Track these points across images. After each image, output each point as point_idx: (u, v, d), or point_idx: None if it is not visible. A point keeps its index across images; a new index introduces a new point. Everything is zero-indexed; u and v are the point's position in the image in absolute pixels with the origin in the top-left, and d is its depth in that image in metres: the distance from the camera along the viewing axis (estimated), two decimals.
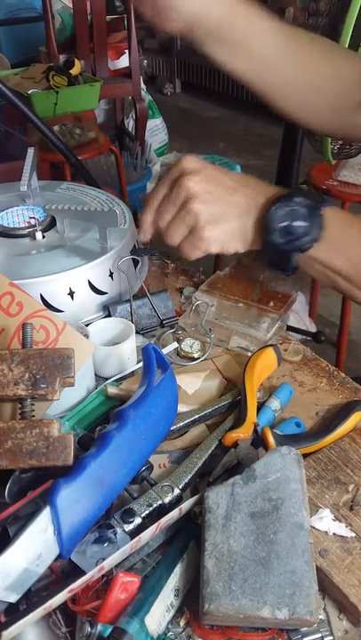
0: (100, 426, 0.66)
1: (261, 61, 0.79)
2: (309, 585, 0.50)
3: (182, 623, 0.52)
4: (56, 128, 2.06)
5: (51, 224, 0.90)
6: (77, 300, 0.81)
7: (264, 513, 0.54)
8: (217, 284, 0.90)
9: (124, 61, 2.95)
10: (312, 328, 2.10)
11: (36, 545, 0.49)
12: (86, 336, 0.71)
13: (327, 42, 0.87)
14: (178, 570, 0.54)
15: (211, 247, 0.68)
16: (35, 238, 0.87)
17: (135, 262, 0.90)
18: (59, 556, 0.51)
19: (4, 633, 0.45)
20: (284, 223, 0.64)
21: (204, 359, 0.80)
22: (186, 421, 0.69)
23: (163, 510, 0.58)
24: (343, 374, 0.80)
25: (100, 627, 0.47)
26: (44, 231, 0.88)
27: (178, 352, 0.82)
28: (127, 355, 0.77)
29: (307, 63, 0.81)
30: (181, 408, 0.70)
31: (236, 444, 0.64)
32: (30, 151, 1.00)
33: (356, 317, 2.17)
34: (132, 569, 0.55)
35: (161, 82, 5.16)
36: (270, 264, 0.69)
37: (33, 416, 0.59)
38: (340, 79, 0.82)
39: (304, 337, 1.00)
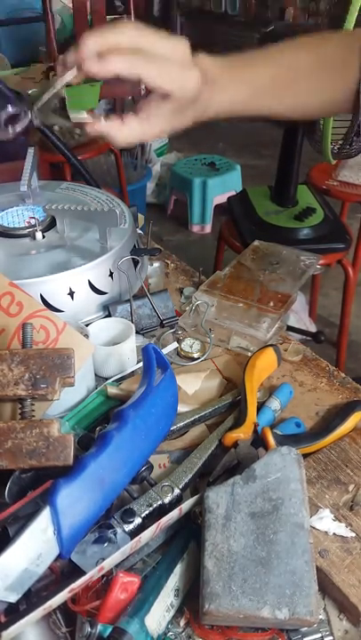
0: (100, 426, 0.66)
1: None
2: (309, 585, 0.50)
3: (182, 623, 0.52)
4: (56, 128, 2.05)
5: (51, 224, 0.90)
6: (77, 300, 0.81)
7: (264, 513, 0.54)
8: (217, 283, 0.90)
9: None
10: (312, 328, 2.10)
11: (36, 545, 0.49)
12: (86, 336, 0.71)
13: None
14: (178, 570, 0.54)
15: None
16: (35, 238, 0.87)
17: (135, 262, 0.90)
18: (59, 556, 0.51)
19: (4, 633, 0.45)
20: None
21: (204, 359, 0.80)
22: (186, 421, 0.69)
23: (163, 510, 0.58)
24: (343, 374, 0.80)
25: (100, 627, 0.47)
26: (44, 231, 0.88)
27: (178, 352, 0.82)
28: (127, 355, 0.77)
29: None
30: (181, 408, 0.70)
31: (236, 444, 0.64)
32: (30, 151, 1.00)
33: (357, 317, 2.17)
34: (132, 569, 0.55)
35: None
36: None
37: (33, 416, 0.59)
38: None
39: (304, 337, 1.00)
